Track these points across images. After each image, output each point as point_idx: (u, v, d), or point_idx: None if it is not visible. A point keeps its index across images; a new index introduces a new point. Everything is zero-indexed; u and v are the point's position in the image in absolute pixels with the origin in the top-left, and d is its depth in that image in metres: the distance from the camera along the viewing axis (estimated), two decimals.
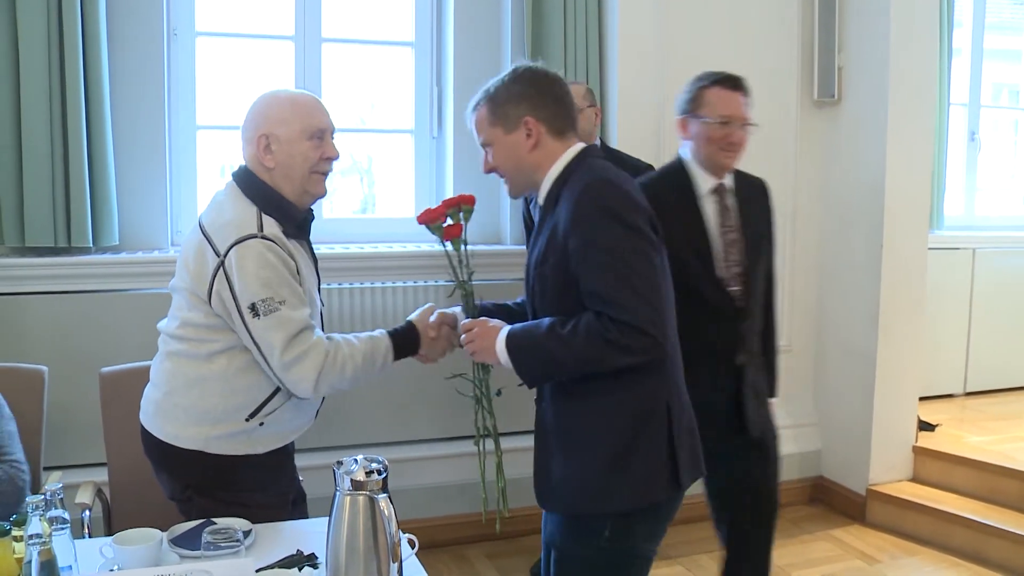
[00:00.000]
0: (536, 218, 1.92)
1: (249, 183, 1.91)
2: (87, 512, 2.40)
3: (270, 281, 1.80)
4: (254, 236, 1.80)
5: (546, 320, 1.79)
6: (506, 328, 1.84)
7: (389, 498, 1.58)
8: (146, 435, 1.99)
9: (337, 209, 3.84)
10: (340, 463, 1.62)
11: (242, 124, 1.95)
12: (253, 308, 1.80)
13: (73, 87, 3.06)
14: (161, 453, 1.96)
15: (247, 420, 1.93)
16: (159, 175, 3.38)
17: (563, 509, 1.87)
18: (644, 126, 3.70)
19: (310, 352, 1.83)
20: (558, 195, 1.82)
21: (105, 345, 3.12)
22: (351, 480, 1.59)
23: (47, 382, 2.61)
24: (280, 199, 1.91)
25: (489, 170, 1.88)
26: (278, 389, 1.93)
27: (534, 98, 1.84)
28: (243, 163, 1.95)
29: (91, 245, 3.17)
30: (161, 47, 3.34)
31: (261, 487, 1.98)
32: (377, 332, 2.04)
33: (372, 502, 1.58)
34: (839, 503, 4.14)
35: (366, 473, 1.60)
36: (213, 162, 3.62)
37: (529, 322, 1.83)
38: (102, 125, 3.15)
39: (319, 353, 1.85)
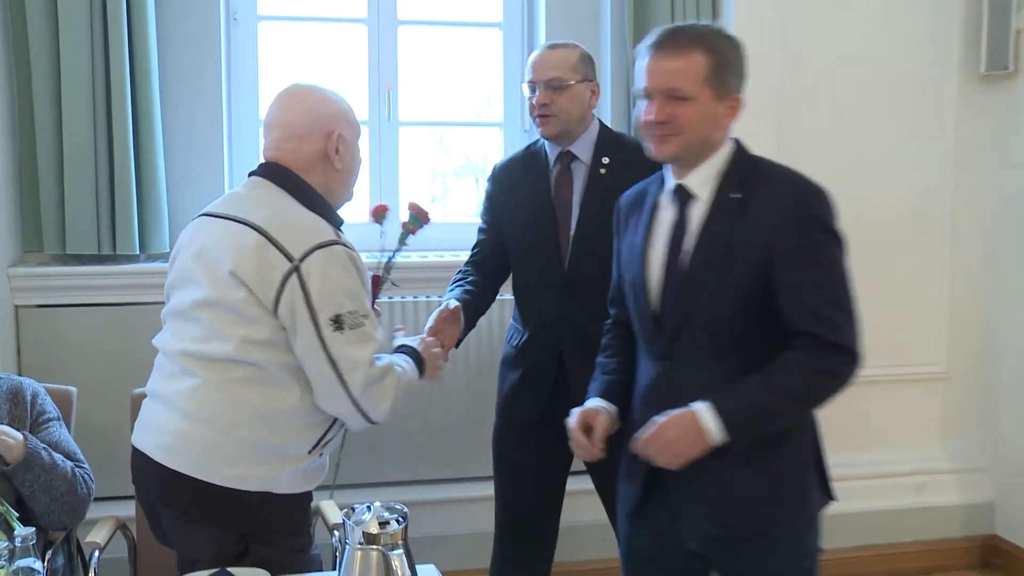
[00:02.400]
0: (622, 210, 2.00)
1: (295, 184, 1.88)
2: (97, 553, 2.34)
3: (355, 293, 1.80)
4: (336, 242, 1.79)
5: (752, 380, 1.73)
6: (705, 410, 1.73)
7: (408, 553, 1.49)
8: (184, 483, 1.84)
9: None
10: (351, 511, 1.54)
11: (289, 119, 1.92)
12: (337, 321, 1.77)
13: (118, 79, 3.01)
14: (213, 502, 1.84)
15: (309, 452, 1.89)
16: (216, 175, 3.27)
17: (764, 525, 1.82)
18: (765, 118, 3.34)
19: (389, 372, 1.85)
20: (739, 182, 1.80)
21: (146, 364, 2.84)
22: (363, 532, 1.49)
23: (75, 404, 2.57)
24: (325, 204, 1.91)
25: (664, 125, 1.79)
26: (336, 417, 1.91)
27: (745, 79, 1.84)
28: (272, 161, 1.92)
29: (138, 253, 3.10)
30: (218, 34, 3.25)
31: (303, 531, 1.96)
32: (402, 358, 2.04)
33: (386, 560, 1.47)
34: (1019, 569, 3.73)
35: (380, 524, 1.50)
36: None
37: (733, 389, 1.74)
38: (151, 120, 3.08)
39: (393, 374, 1.87)
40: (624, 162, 2.37)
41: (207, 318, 1.84)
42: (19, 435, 2.21)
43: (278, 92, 1.99)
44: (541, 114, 2.40)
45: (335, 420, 1.94)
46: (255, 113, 3.42)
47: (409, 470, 3.36)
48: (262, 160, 1.96)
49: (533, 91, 2.40)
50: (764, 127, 3.25)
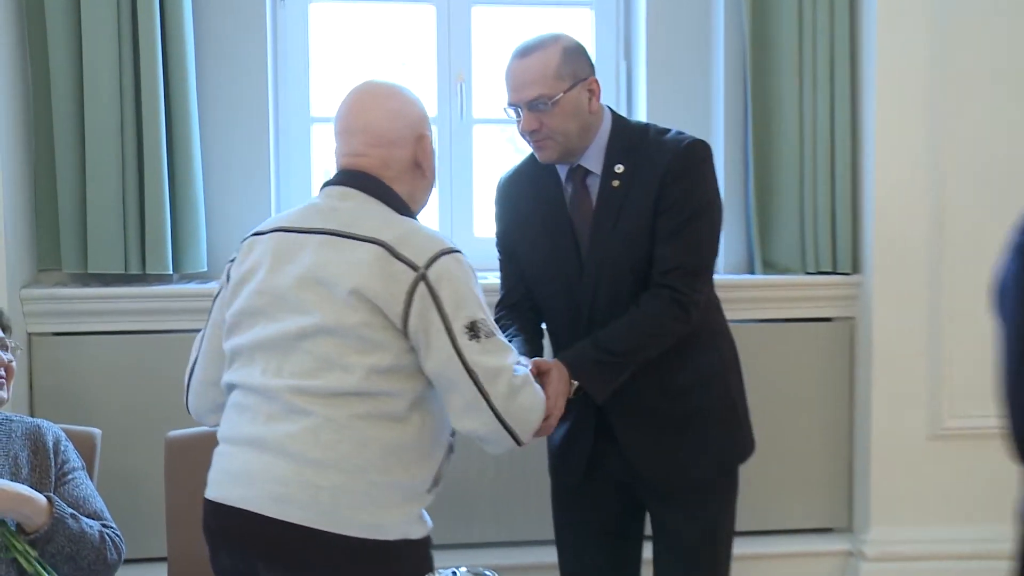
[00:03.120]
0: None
1: (387, 195, 1.94)
2: None
3: (483, 303, 1.87)
4: (458, 250, 1.86)
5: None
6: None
7: None
8: (308, 537, 1.82)
9: None
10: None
11: (375, 123, 1.97)
12: (472, 328, 1.83)
13: (149, 71, 2.97)
14: (343, 555, 1.84)
15: (428, 491, 1.93)
16: (261, 182, 3.23)
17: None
18: (914, 131, 3.18)
19: (530, 382, 1.91)
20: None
21: (178, 403, 2.68)
22: None
23: (99, 449, 2.55)
24: (413, 215, 1.98)
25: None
26: (450, 447, 1.99)
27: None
28: (357, 170, 1.96)
29: (171, 272, 3.06)
30: (264, 18, 3.20)
31: None
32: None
33: None
34: None
35: None
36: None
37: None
38: (187, 118, 3.04)
39: (534, 385, 1.93)
40: (640, 164, 2.27)
41: (321, 348, 1.84)
42: (43, 499, 2.17)
43: (352, 92, 2.02)
44: (535, 140, 2.29)
45: (447, 451, 1.96)
46: (305, 110, 3.38)
47: (499, 529, 3.23)
48: (340, 167, 1.99)
49: (518, 114, 2.28)
50: (912, 140, 3.18)
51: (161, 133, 3.00)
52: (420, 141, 2.00)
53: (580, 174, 2.34)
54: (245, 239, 2.01)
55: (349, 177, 1.98)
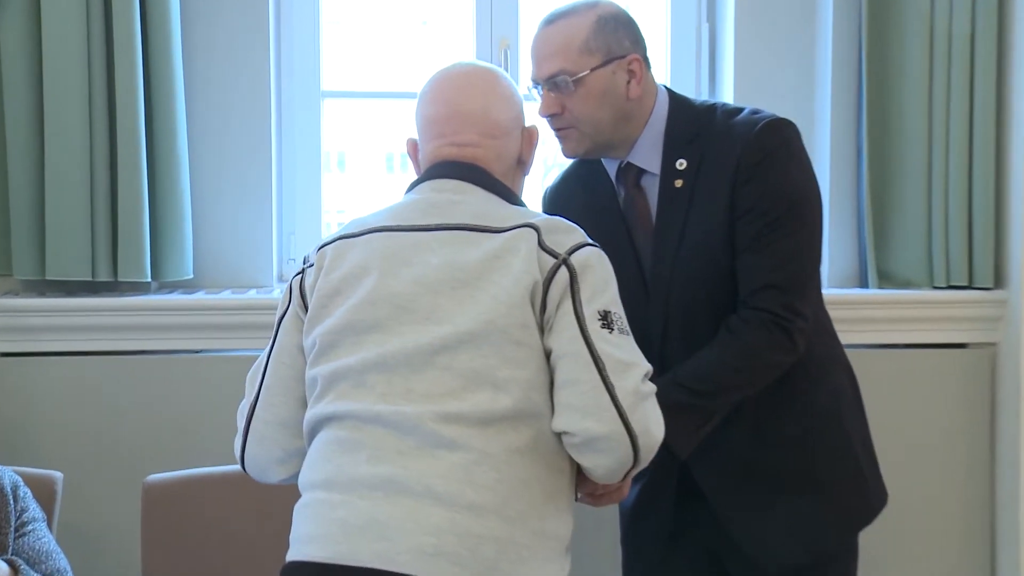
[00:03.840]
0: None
1: (502, 191, 2.00)
2: None
3: (621, 307, 1.91)
4: (595, 245, 1.92)
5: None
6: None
7: None
8: None
9: None
10: None
11: (487, 110, 2.03)
12: (605, 317, 1.86)
13: (124, 36, 2.88)
14: None
15: (567, 550, 1.92)
16: (261, 168, 3.14)
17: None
18: None
19: (655, 397, 1.91)
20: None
21: (163, 438, 2.97)
22: None
23: (60, 495, 2.54)
24: (525, 206, 2.06)
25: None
26: None
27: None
28: (467, 162, 2.01)
29: (149, 280, 2.96)
30: None
31: None
32: None
33: None
34: None
35: None
36: (351, 147, 3.65)
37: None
38: (169, 93, 2.96)
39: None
40: (706, 156, 2.23)
41: (464, 361, 1.83)
42: (4, 566, 2.19)
43: (450, 71, 2.07)
44: (556, 128, 2.27)
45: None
46: (315, 81, 3.28)
47: None
48: (442, 158, 2.00)
49: (539, 92, 2.28)
50: None
51: (138, 111, 2.92)
52: (527, 134, 2.07)
53: (632, 174, 2.30)
54: (324, 244, 1.97)
55: (462, 170, 1.99)
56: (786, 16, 3.18)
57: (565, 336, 1.85)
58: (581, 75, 2.16)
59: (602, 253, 1.91)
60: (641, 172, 2.27)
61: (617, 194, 2.32)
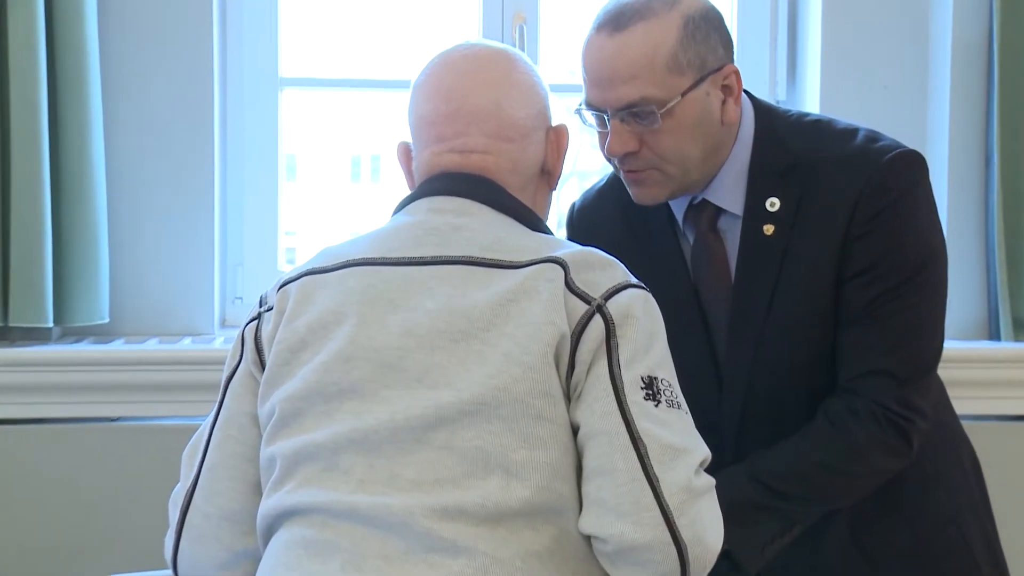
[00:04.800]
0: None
1: (520, 211, 1.92)
2: None
3: (672, 364, 1.81)
4: (639, 286, 1.82)
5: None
6: None
7: None
8: None
9: None
10: None
11: (499, 104, 1.93)
12: (650, 385, 1.75)
13: (21, 14, 2.79)
14: None
15: None
16: (200, 180, 3.02)
17: None
18: None
19: (713, 492, 1.82)
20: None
21: (59, 537, 2.90)
22: None
23: None
24: (550, 232, 1.99)
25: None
26: None
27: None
28: (473, 173, 1.91)
29: (50, 325, 2.87)
30: None
31: None
32: None
33: None
34: None
35: None
36: (305, 149, 3.65)
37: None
38: (80, 83, 2.86)
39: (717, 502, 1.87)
40: (808, 194, 2.12)
41: (469, 439, 1.76)
42: None
43: (452, 54, 1.99)
44: (628, 170, 2.14)
45: None
46: (272, 68, 3.18)
47: None
48: (441, 169, 1.93)
49: (603, 124, 2.13)
50: None
51: (38, 108, 2.82)
52: (554, 136, 1.97)
53: (708, 214, 2.17)
54: (286, 281, 1.87)
55: (467, 184, 1.90)
56: (888, 9, 3.10)
57: (598, 409, 1.73)
58: (671, 104, 2.00)
59: (648, 296, 1.80)
60: (719, 212, 2.13)
61: (680, 236, 2.20)
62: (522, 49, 3.07)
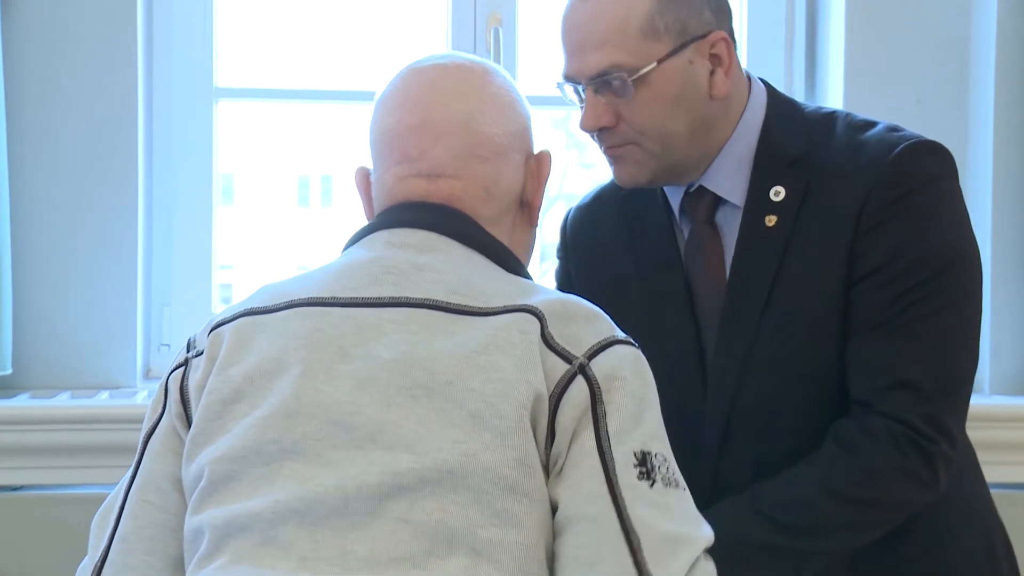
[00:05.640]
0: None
1: (491, 246, 1.90)
2: None
3: (665, 433, 1.76)
4: (627, 342, 1.78)
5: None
6: None
7: None
8: None
9: None
10: None
11: (469, 120, 1.91)
12: (644, 461, 1.71)
13: None
14: None
15: None
16: (120, 206, 2.97)
17: None
18: None
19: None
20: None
21: None
22: None
23: None
24: (529, 276, 1.96)
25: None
26: None
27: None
28: (440, 204, 1.90)
29: None
30: None
31: None
32: None
33: None
34: None
35: None
36: (243, 169, 3.86)
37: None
38: None
39: None
40: (818, 184, 2.12)
41: (430, 512, 1.68)
42: None
43: (419, 66, 1.99)
44: (607, 147, 2.18)
45: None
46: (206, 77, 3.16)
47: None
48: (402, 198, 1.92)
49: (579, 97, 2.19)
50: None
51: None
52: (535, 163, 1.95)
53: (705, 203, 2.17)
54: (220, 323, 1.83)
55: (434, 215, 1.88)
56: None
57: (584, 489, 1.67)
58: (644, 71, 2.01)
59: (638, 354, 1.75)
60: (718, 202, 2.14)
61: (677, 231, 2.20)
62: (498, 55, 3.11)
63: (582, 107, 2.10)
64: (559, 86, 2.12)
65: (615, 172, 2.13)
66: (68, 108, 2.95)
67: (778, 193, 2.11)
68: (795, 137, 2.14)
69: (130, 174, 2.95)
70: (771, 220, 2.09)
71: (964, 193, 2.15)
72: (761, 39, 3.38)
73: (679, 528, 1.69)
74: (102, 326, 2.96)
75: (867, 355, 2.00)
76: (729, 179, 2.14)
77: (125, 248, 2.94)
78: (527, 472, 1.67)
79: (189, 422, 1.77)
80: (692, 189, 2.15)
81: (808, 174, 2.11)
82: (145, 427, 1.83)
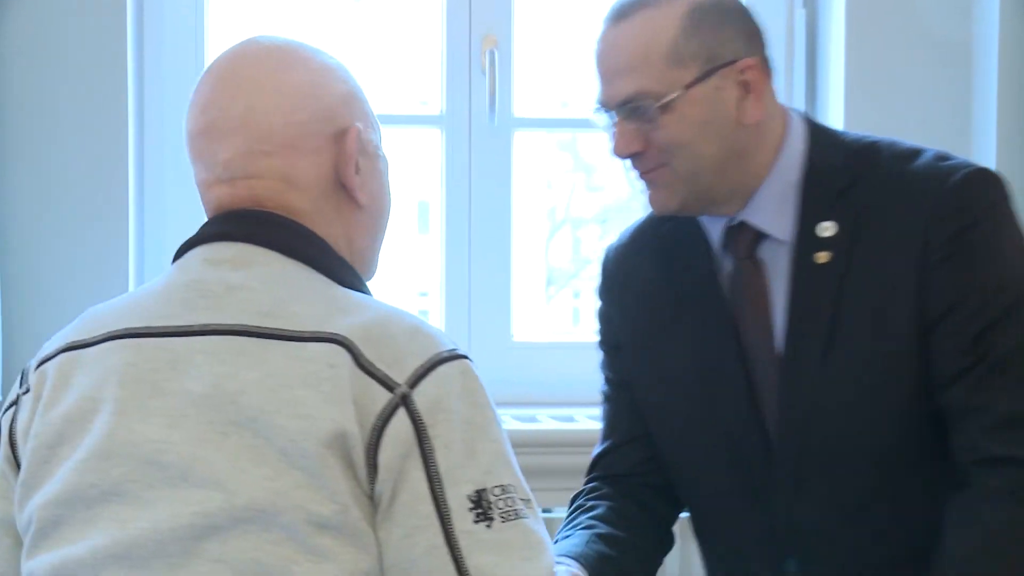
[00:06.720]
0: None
1: (310, 247, 1.86)
2: None
3: (507, 451, 1.75)
4: (462, 355, 1.74)
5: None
6: None
7: None
8: None
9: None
10: None
11: (261, 111, 1.85)
12: (479, 502, 1.71)
13: None
14: None
15: None
16: (114, 220, 3.07)
17: None
18: None
19: None
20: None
21: None
22: None
23: None
24: (360, 281, 1.90)
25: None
26: None
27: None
28: (247, 209, 1.86)
29: None
30: None
31: None
32: None
33: None
34: None
35: None
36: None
37: None
38: None
39: None
40: (870, 218, 2.13)
41: (244, 550, 1.70)
42: None
43: (216, 62, 1.94)
44: (639, 173, 2.20)
45: None
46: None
47: None
48: (214, 207, 1.88)
49: (610, 122, 2.21)
50: None
51: None
52: (343, 139, 1.86)
53: (746, 238, 2.16)
54: (44, 359, 1.80)
55: (243, 224, 1.83)
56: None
57: (421, 541, 1.67)
58: (670, 98, 2.02)
59: (466, 367, 1.73)
60: (760, 237, 2.10)
61: (718, 267, 2.16)
62: (493, 77, 3.12)
63: (613, 134, 2.12)
64: (595, 113, 2.13)
65: (648, 198, 2.13)
66: (58, 112, 3.00)
67: (827, 228, 2.11)
68: (840, 169, 2.15)
69: (120, 179, 3.00)
70: (821, 257, 2.10)
71: None
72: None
73: (517, 569, 1.72)
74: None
75: (962, 401, 1.98)
76: (772, 213, 2.15)
77: (116, 256, 3.00)
78: (339, 509, 1.68)
79: (18, 465, 1.77)
80: (733, 223, 2.16)
81: (857, 207, 2.12)
82: None
